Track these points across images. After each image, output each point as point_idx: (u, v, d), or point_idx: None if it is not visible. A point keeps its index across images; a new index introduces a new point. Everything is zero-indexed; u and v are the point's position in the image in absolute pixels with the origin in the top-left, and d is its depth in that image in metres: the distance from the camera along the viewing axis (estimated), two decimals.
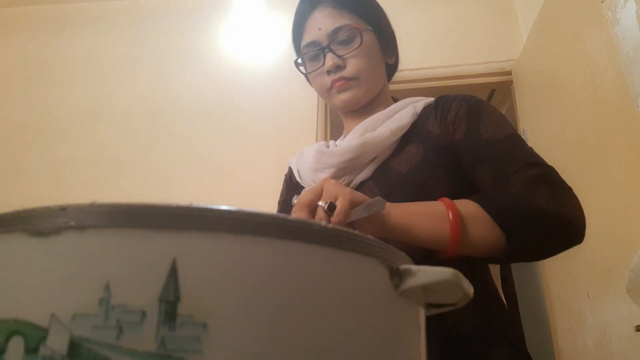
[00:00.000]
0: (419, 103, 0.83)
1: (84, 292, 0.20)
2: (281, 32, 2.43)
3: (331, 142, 0.87)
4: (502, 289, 2.23)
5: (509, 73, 2.11)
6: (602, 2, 1.27)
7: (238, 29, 2.47)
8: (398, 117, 0.79)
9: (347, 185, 0.76)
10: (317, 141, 2.15)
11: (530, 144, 1.86)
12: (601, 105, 1.31)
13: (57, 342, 0.19)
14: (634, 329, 1.13)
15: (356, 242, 0.24)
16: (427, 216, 0.57)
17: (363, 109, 0.86)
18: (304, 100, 2.22)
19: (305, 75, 0.91)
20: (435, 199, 0.66)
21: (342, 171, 0.77)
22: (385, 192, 0.73)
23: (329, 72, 0.81)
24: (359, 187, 0.76)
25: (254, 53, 2.39)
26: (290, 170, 0.93)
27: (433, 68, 2.15)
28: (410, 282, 0.26)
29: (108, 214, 0.21)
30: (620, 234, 1.22)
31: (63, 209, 0.21)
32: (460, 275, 0.27)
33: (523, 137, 1.94)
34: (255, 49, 2.40)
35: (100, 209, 0.21)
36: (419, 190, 0.70)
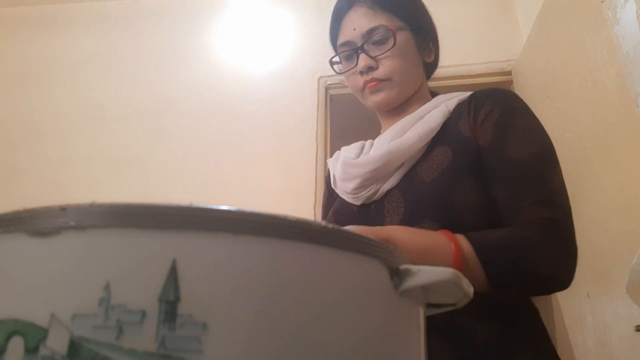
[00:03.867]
0: (452, 100, 0.79)
1: (84, 292, 0.20)
2: (281, 32, 2.43)
3: (367, 143, 0.85)
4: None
5: (509, 73, 2.11)
6: (602, 2, 1.27)
7: (239, 29, 2.47)
8: (427, 119, 0.77)
9: (374, 194, 0.75)
10: (317, 141, 2.15)
11: None
12: (601, 105, 1.31)
13: (57, 342, 0.19)
14: (634, 329, 1.13)
15: (356, 242, 0.24)
16: (429, 251, 0.55)
17: (398, 108, 0.84)
18: (304, 101, 2.22)
19: (341, 73, 0.89)
20: (460, 208, 0.63)
21: (368, 181, 0.76)
22: (411, 202, 0.70)
23: (361, 72, 0.80)
24: (386, 196, 0.74)
25: (254, 53, 2.40)
26: (329, 174, 0.91)
27: None
28: (410, 282, 0.26)
29: (108, 214, 0.21)
30: (620, 234, 1.22)
31: (63, 209, 0.21)
32: (460, 275, 0.27)
33: None
34: (256, 49, 2.40)
35: (100, 209, 0.21)
36: (444, 200, 0.67)
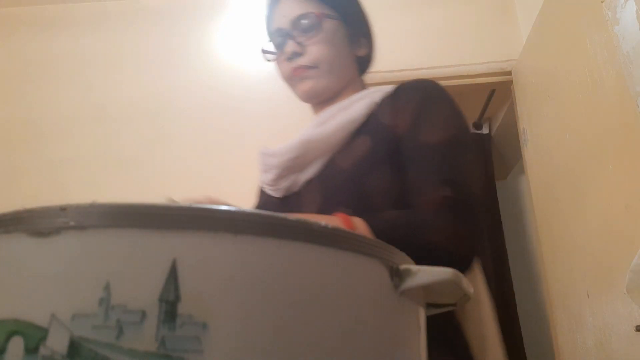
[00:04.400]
0: (379, 93, 0.79)
1: (84, 292, 0.20)
2: None
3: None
4: (498, 290, 2.23)
5: (509, 73, 2.11)
6: (602, 2, 1.27)
7: (239, 29, 2.47)
8: (350, 109, 0.76)
9: (294, 185, 0.74)
10: None
11: (530, 144, 1.86)
12: (601, 105, 1.31)
13: (57, 342, 0.19)
14: (634, 329, 1.13)
15: (356, 242, 0.24)
16: None
17: (329, 101, 0.82)
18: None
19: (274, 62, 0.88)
20: (374, 195, 0.64)
21: (286, 171, 0.75)
22: (328, 191, 0.70)
23: (288, 59, 0.79)
24: (305, 186, 0.74)
25: (254, 53, 2.39)
26: None
27: (433, 68, 2.15)
28: (410, 282, 0.26)
29: (108, 214, 0.21)
30: (620, 234, 1.22)
31: (63, 209, 0.21)
32: (460, 275, 0.27)
33: (523, 137, 1.94)
34: (256, 49, 2.40)
35: (100, 209, 0.21)
36: (360, 187, 0.67)
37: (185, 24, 2.53)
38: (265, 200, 0.81)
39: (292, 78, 0.81)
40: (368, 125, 0.74)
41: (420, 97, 0.73)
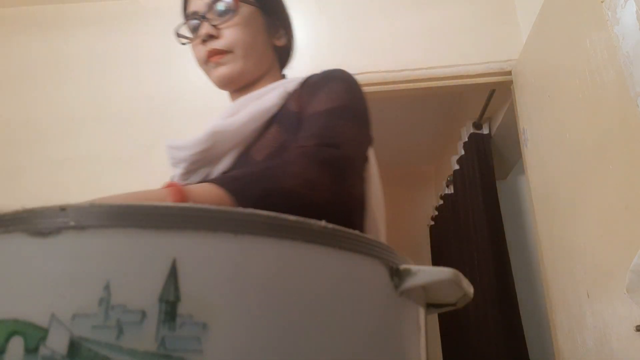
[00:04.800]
0: (292, 83, 0.78)
1: (84, 292, 0.20)
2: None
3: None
4: (500, 290, 2.23)
5: (509, 73, 2.11)
6: (602, 2, 1.27)
7: None
8: (263, 99, 0.74)
9: (206, 179, 0.70)
10: None
11: (530, 144, 1.86)
12: (601, 105, 1.31)
13: (57, 342, 0.19)
14: (634, 329, 1.13)
15: (356, 242, 0.24)
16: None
17: (245, 89, 0.80)
18: None
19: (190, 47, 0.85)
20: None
21: (196, 164, 0.71)
22: None
23: (203, 41, 0.77)
24: None
25: None
26: None
27: (433, 68, 2.15)
28: (410, 282, 0.26)
29: (108, 214, 0.21)
30: (620, 234, 1.22)
31: (63, 209, 0.21)
32: (460, 275, 0.27)
33: (523, 137, 1.94)
34: None
35: (100, 209, 0.21)
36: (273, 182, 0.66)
37: None
38: None
39: (207, 63, 0.78)
40: (280, 115, 0.73)
41: (323, 78, 0.73)
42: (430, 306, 0.30)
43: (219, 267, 0.21)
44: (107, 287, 0.20)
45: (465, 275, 0.28)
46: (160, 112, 2.35)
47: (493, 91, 2.34)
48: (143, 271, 0.20)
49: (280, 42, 0.86)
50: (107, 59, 2.49)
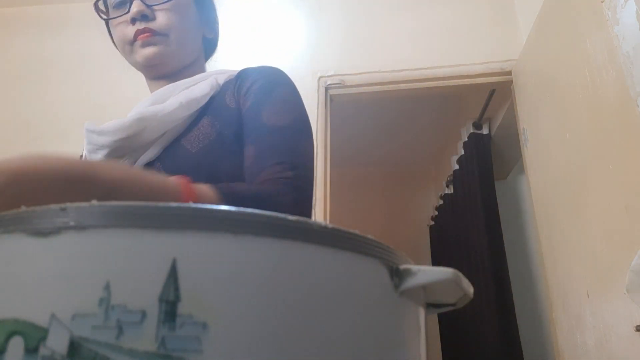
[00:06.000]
0: (223, 75, 0.77)
1: (84, 292, 0.20)
2: (281, 32, 2.43)
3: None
4: (497, 290, 2.23)
5: (509, 73, 2.11)
6: (602, 2, 1.27)
7: (238, 29, 2.47)
8: (194, 88, 0.73)
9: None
10: (316, 141, 2.15)
11: (530, 144, 1.86)
12: (601, 105, 1.31)
13: (57, 342, 0.19)
14: (634, 329, 1.13)
15: (356, 242, 0.24)
16: (159, 192, 0.49)
17: (169, 78, 0.78)
18: (303, 99, 2.21)
19: (107, 26, 0.83)
20: (226, 179, 0.63)
21: (118, 151, 0.68)
22: (173, 174, 0.66)
23: (133, 20, 0.73)
24: (144, 169, 0.68)
25: (254, 53, 2.39)
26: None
27: (433, 68, 2.15)
28: (410, 282, 0.26)
29: (108, 214, 0.21)
30: (620, 234, 1.22)
31: (63, 209, 0.21)
32: (460, 275, 0.27)
33: (523, 137, 1.94)
34: (256, 49, 2.40)
35: (100, 209, 0.21)
36: (210, 171, 0.65)
37: None
38: None
39: (133, 42, 0.74)
40: (212, 107, 0.72)
41: (266, 79, 0.73)
42: (430, 306, 0.30)
43: (219, 267, 0.21)
44: (107, 287, 0.20)
45: (464, 275, 0.28)
46: None
47: (493, 91, 2.34)
48: (143, 271, 0.20)
49: (210, 34, 0.86)
50: (107, 58, 2.49)
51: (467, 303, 0.30)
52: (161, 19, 0.74)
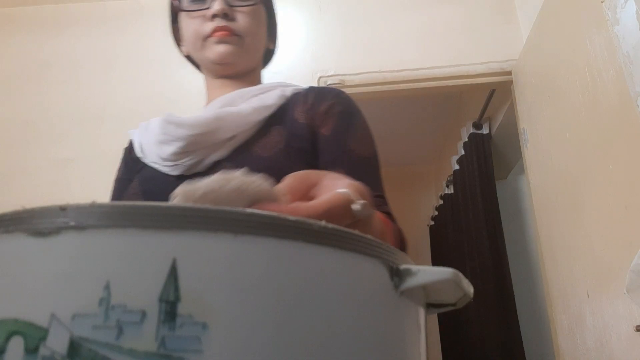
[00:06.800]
0: (289, 88, 0.78)
1: (84, 292, 0.20)
2: (281, 32, 2.43)
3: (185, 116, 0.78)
4: (498, 290, 2.23)
5: (509, 73, 2.11)
6: (602, 2, 1.27)
7: None
8: (264, 96, 0.74)
9: (197, 164, 0.69)
10: None
11: (530, 144, 1.86)
12: (601, 105, 1.31)
13: (57, 342, 0.19)
14: (634, 329, 1.13)
15: (356, 242, 0.24)
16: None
17: (233, 79, 0.79)
18: None
19: (173, 17, 0.83)
20: None
21: (193, 146, 0.68)
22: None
23: (214, 16, 0.73)
24: (213, 168, 0.68)
25: None
26: (131, 144, 0.83)
27: (433, 68, 2.15)
28: (410, 282, 0.26)
29: (108, 214, 0.21)
30: (620, 234, 1.22)
31: (63, 209, 0.21)
32: (460, 275, 0.27)
33: (523, 137, 1.94)
34: None
35: (100, 209, 0.21)
36: (281, 177, 0.65)
37: None
38: (154, 174, 0.72)
39: (207, 39, 0.75)
40: (281, 117, 0.73)
41: (344, 106, 0.74)
42: (430, 306, 0.30)
43: (219, 267, 0.21)
44: (107, 287, 0.20)
45: (465, 275, 0.28)
46: (160, 112, 2.35)
47: (493, 91, 2.34)
48: (143, 271, 0.20)
49: (271, 45, 0.88)
50: (107, 58, 2.49)
51: (468, 303, 0.30)
52: (240, 20, 0.75)
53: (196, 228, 0.21)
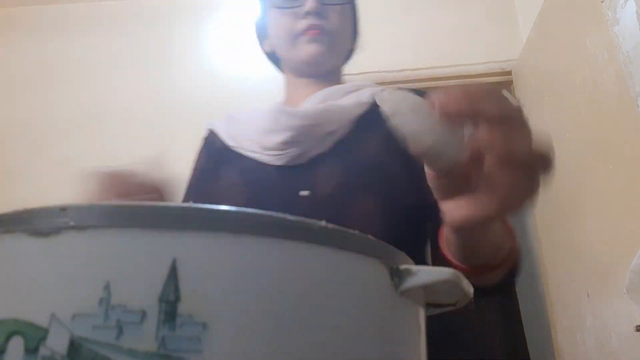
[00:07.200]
0: (377, 88, 0.77)
1: (84, 292, 0.20)
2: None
3: (278, 107, 0.77)
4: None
5: (509, 73, 2.11)
6: (602, 2, 1.27)
7: (238, 29, 2.47)
8: (359, 94, 0.74)
9: (301, 156, 0.69)
10: None
11: None
12: (601, 105, 1.31)
13: (57, 342, 0.19)
14: (634, 329, 1.13)
15: (356, 242, 0.24)
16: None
17: (317, 78, 0.78)
18: None
19: (262, 14, 0.82)
20: (395, 185, 0.64)
21: (301, 136, 0.68)
22: (347, 170, 0.68)
23: (307, 14, 0.72)
24: (316, 160, 0.69)
25: (254, 53, 2.39)
26: (213, 135, 0.83)
27: (433, 68, 2.15)
28: (410, 282, 0.26)
29: (108, 214, 0.21)
30: (620, 234, 1.22)
31: (63, 209, 0.21)
32: (460, 275, 0.27)
33: None
34: (255, 50, 2.40)
35: (100, 209, 0.21)
36: (381, 173, 0.67)
37: (185, 24, 2.53)
38: (253, 165, 0.72)
39: (298, 37, 0.74)
40: (373, 117, 0.71)
41: None
42: (430, 306, 0.30)
43: (219, 267, 0.21)
44: (107, 287, 0.20)
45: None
46: (159, 112, 2.35)
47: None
48: (143, 271, 0.20)
49: (354, 45, 0.86)
50: (106, 59, 2.49)
51: (468, 303, 0.30)
52: (333, 19, 0.75)
53: (196, 228, 0.21)
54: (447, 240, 0.48)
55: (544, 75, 1.76)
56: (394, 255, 0.26)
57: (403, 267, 0.26)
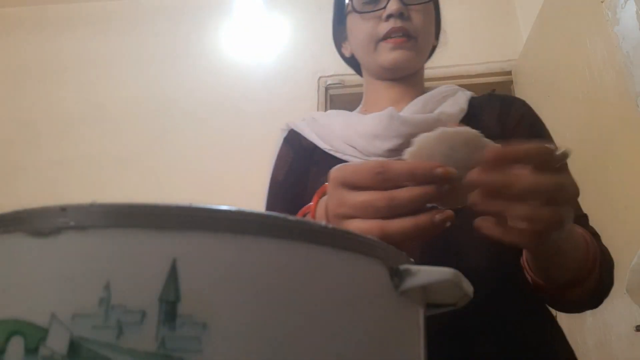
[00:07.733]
0: (469, 93, 0.76)
1: (84, 292, 0.20)
2: (282, 32, 2.43)
3: (386, 113, 0.72)
4: None
5: (509, 73, 2.11)
6: (602, 2, 1.27)
7: (238, 30, 2.47)
8: (455, 99, 0.72)
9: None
10: None
11: None
12: (601, 105, 1.31)
13: (57, 342, 0.19)
14: (634, 329, 1.13)
15: (356, 242, 0.24)
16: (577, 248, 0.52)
17: (399, 81, 0.76)
18: (304, 101, 2.22)
19: (341, 19, 0.79)
20: None
21: (405, 145, 0.69)
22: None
23: (389, 16, 0.70)
24: None
25: (253, 53, 2.39)
26: (296, 134, 0.80)
27: (433, 68, 2.15)
28: (410, 282, 0.26)
29: (108, 214, 0.21)
30: (620, 234, 1.22)
31: (63, 209, 0.21)
32: (460, 275, 0.27)
33: None
34: (255, 50, 2.40)
35: (100, 209, 0.21)
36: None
37: (185, 24, 2.53)
38: None
39: (381, 43, 0.72)
40: (469, 121, 0.69)
41: (531, 116, 0.74)
42: (430, 306, 0.30)
43: (219, 267, 0.21)
44: (107, 287, 0.20)
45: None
46: (160, 112, 2.35)
47: (493, 91, 2.34)
48: (143, 271, 0.20)
49: (436, 42, 0.84)
50: (107, 58, 2.49)
51: (469, 303, 0.30)
52: (415, 20, 0.72)
53: (196, 228, 0.21)
54: (526, 257, 0.53)
55: (544, 75, 1.76)
56: (394, 256, 0.26)
57: (403, 267, 0.26)
